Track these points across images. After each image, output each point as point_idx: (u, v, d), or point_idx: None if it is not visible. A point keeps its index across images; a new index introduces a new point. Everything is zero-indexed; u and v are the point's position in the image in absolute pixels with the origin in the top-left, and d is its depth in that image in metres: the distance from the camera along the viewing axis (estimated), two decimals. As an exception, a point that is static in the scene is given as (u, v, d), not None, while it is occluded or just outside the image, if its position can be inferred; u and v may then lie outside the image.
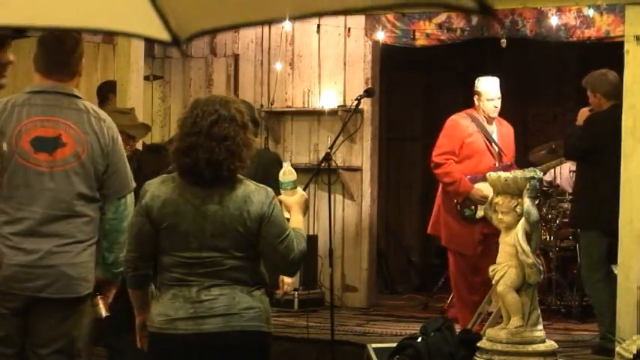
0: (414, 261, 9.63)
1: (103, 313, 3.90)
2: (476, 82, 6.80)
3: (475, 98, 6.77)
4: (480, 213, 6.52)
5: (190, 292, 3.27)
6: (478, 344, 5.66)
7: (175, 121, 3.48)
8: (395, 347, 5.79)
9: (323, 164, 6.10)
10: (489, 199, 5.90)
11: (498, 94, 6.74)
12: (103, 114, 3.85)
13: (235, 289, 3.29)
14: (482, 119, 6.77)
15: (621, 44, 6.03)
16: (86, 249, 3.74)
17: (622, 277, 5.91)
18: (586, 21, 7.42)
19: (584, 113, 6.49)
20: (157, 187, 3.32)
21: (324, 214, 7.95)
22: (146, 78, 7.57)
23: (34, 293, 3.63)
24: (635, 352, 5.16)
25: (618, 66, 5.98)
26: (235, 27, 1.39)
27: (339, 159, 7.89)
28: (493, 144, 6.77)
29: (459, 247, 6.71)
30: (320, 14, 1.16)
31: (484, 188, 6.45)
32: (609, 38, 7.37)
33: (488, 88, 6.74)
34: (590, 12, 7.31)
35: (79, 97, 3.80)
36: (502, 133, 6.87)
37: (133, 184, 3.88)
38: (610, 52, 6.69)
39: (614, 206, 5.86)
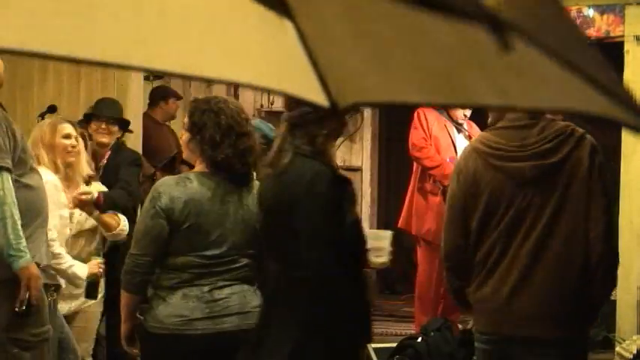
0: (414, 261, 9.62)
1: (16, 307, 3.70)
2: None
3: None
4: None
5: (202, 291, 3.27)
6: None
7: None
8: (395, 347, 5.79)
9: (323, 164, 6.08)
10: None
11: None
12: None
13: (244, 288, 3.33)
14: (451, 119, 6.71)
15: (621, 44, 6.03)
16: None
17: (622, 277, 5.91)
18: (586, 21, 7.43)
19: None
20: (174, 189, 3.29)
21: (324, 214, 7.95)
22: (146, 78, 7.57)
23: None
24: (635, 352, 5.17)
25: (618, 66, 5.98)
26: (395, 104, 1.39)
27: (339, 159, 7.89)
28: (456, 144, 6.70)
29: (435, 237, 6.25)
30: (473, 106, 1.16)
31: None
32: (609, 38, 7.36)
33: None
34: (590, 12, 7.31)
35: None
36: (472, 134, 6.82)
37: (4, 162, 3.69)
38: (610, 52, 6.69)
39: None
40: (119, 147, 5.50)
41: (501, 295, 3.16)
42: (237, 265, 3.31)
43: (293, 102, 3.28)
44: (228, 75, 1.54)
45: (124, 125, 5.64)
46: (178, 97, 7.67)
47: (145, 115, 7.48)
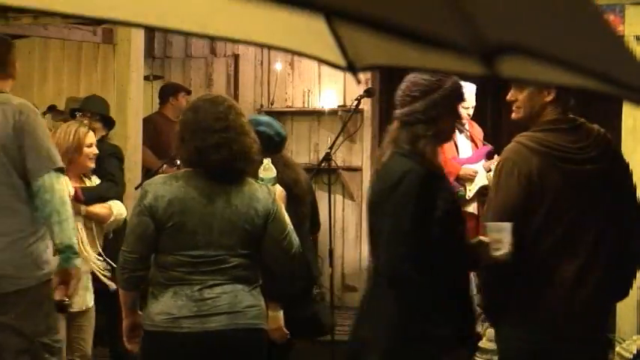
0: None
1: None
2: None
3: None
4: (469, 192, 6.52)
5: (192, 290, 3.26)
6: (478, 344, 5.65)
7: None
8: (395, 347, 5.78)
9: (323, 164, 6.09)
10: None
11: (474, 102, 6.68)
12: (20, 104, 3.76)
13: (237, 288, 3.30)
14: None
15: (621, 44, 6.03)
16: (12, 244, 3.67)
17: (622, 277, 5.92)
18: (586, 21, 7.43)
19: None
20: (160, 187, 3.30)
21: (324, 214, 7.94)
22: (146, 78, 7.59)
23: None
24: (635, 352, 5.17)
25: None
26: (412, 69, 1.39)
27: (339, 159, 7.89)
28: (458, 144, 6.70)
29: None
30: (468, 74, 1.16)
31: (471, 167, 6.53)
32: (609, 38, 7.37)
33: (466, 95, 6.65)
34: (590, 12, 7.31)
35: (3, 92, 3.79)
36: (473, 134, 6.83)
37: (57, 164, 3.75)
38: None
39: None
40: (100, 142, 5.52)
41: (562, 296, 3.19)
42: (227, 265, 3.30)
43: (406, 100, 3.25)
44: (247, 35, 1.54)
45: (109, 124, 5.65)
46: (187, 92, 7.69)
47: (157, 114, 7.55)
